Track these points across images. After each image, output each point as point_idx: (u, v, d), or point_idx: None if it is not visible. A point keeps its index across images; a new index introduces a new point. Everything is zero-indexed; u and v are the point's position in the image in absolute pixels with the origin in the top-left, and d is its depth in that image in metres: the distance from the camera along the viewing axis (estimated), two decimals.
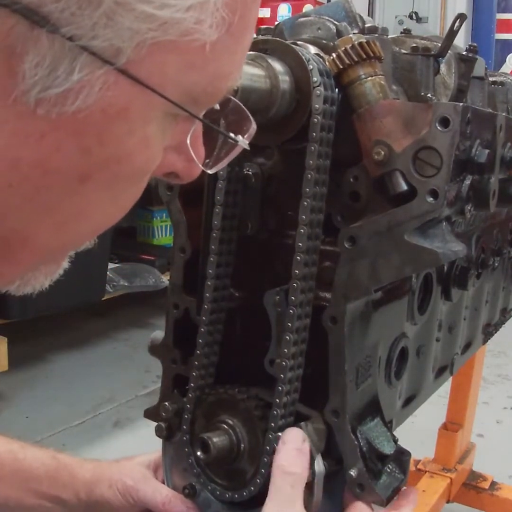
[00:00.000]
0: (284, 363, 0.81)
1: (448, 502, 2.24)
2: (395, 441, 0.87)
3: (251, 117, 0.59)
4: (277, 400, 0.82)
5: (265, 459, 0.83)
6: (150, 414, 0.97)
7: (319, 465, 0.81)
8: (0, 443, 1.01)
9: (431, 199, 0.74)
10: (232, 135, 0.58)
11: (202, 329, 0.88)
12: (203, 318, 0.88)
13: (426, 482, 2.20)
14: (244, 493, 0.86)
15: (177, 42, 0.44)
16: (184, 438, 0.91)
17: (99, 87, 0.43)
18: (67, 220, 0.49)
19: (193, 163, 0.55)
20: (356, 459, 0.82)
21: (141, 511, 0.95)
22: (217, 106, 0.56)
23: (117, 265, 3.58)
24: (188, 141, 0.53)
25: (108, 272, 3.36)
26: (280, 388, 0.81)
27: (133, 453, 1.03)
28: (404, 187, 0.76)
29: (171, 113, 0.49)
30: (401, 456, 0.87)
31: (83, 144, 0.45)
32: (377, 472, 0.84)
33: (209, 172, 0.60)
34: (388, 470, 0.85)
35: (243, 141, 0.58)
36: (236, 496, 0.87)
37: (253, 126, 0.59)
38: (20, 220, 0.48)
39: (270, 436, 0.82)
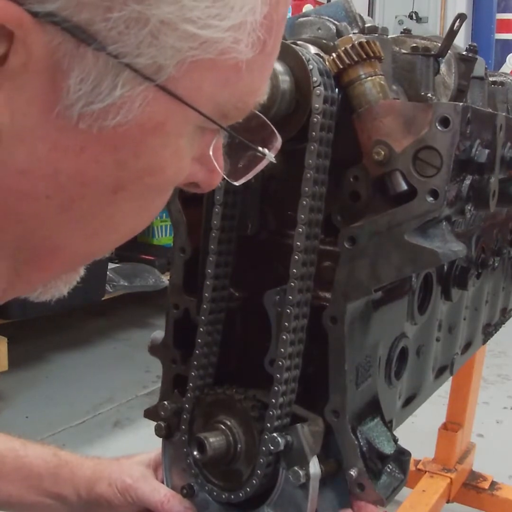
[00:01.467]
0: (280, 363, 0.81)
1: (448, 502, 2.24)
2: (395, 441, 0.87)
3: (276, 132, 0.61)
4: (273, 400, 0.81)
5: (261, 460, 0.82)
6: (150, 414, 0.97)
7: (315, 467, 0.81)
8: (2, 441, 1.01)
9: (431, 199, 0.74)
10: (260, 148, 0.59)
11: (201, 329, 0.88)
12: (202, 318, 0.88)
13: (426, 482, 2.20)
14: (240, 494, 0.85)
15: (215, 60, 0.46)
16: (183, 438, 0.91)
17: (139, 103, 0.44)
18: (98, 230, 0.51)
19: (214, 173, 0.56)
20: (356, 459, 0.82)
21: (140, 510, 0.95)
22: (240, 119, 0.57)
23: (117, 265, 3.58)
24: (210, 152, 0.54)
25: (108, 272, 3.36)
26: (276, 388, 0.81)
27: (133, 454, 1.03)
28: (404, 187, 0.76)
29: (200, 126, 0.50)
30: (401, 456, 0.87)
31: (119, 157, 0.46)
32: (377, 472, 0.83)
33: (236, 184, 0.62)
34: (388, 470, 0.85)
35: (269, 155, 0.59)
36: (232, 497, 0.87)
37: (279, 140, 0.60)
38: (53, 229, 0.49)
39: (266, 436, 0.82)
